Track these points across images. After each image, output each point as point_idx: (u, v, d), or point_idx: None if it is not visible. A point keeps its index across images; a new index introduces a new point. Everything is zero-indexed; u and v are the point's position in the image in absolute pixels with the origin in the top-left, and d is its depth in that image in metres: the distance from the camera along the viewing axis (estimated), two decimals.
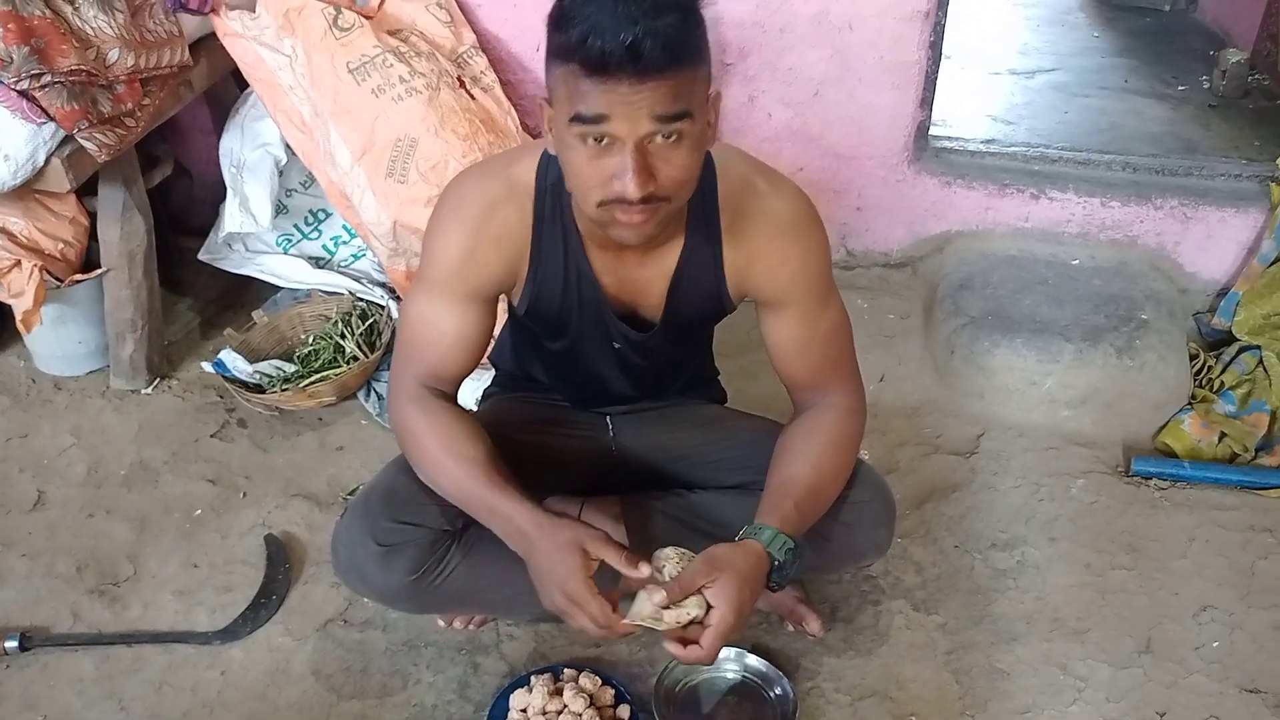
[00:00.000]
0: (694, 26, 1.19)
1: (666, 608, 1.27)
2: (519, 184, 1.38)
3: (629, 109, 1.17)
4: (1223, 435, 2.06)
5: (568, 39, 1.15)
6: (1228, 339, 2.30)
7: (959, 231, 2.54)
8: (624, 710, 1.54)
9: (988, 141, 2.71)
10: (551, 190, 1.38)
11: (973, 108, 3.09)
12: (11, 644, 1.64)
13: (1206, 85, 3.24)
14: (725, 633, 1.28)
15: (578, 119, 1.19)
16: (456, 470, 1.39)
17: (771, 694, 1.58)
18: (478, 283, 1.41)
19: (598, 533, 1.33)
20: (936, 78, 2.43)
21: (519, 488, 1.38)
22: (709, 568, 1.30)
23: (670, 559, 1.33)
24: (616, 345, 1.51)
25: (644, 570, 1.30)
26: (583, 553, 1.30)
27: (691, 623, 1.28)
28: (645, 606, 1.28)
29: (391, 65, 2.11)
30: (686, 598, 1.28)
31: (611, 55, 1.13)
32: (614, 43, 1.12)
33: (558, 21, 1.18)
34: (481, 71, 2.35)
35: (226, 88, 2.40)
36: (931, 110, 2.49)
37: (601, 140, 1.19)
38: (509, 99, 2.36)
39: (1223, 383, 2.18)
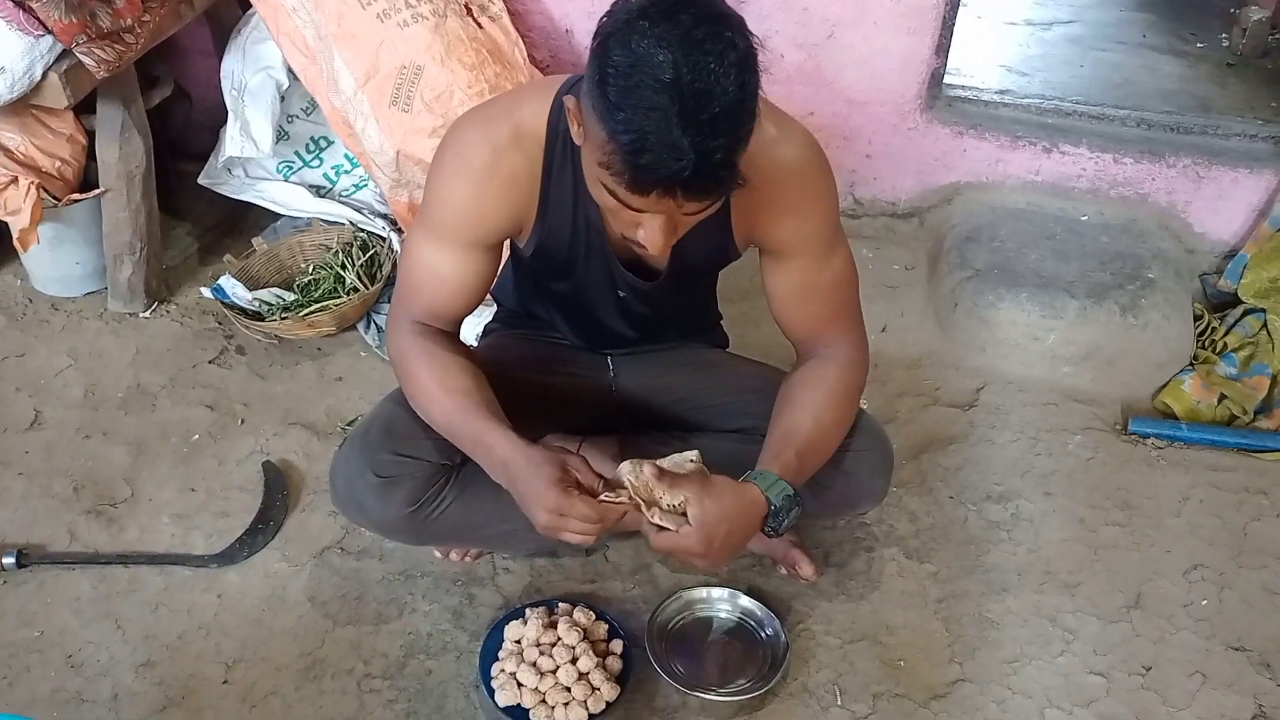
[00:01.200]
0: (746, 139, 1.13)
1: (651, 504, 1.28)
2: (527, 130, 1.34)
3: (663, 210, 1.16)
4: (1222, 397, 2.06)
5: (614, 133, 1.09)
6: (1233, 301, 2.29)
7: (968, 183, 2.51)
8: (616, 645, 1.55)
9: (1001, 92, 2.66)
10: (563, 137, 1.34)
11: (987, 57, 3.04)
12: (9, 560, 1.65)
13: (1225, 43, 3.18)
14: (683, 545, 1.28)
15: (609, 190, 1.16)
16: (445, 401, 1.38)
17: (763, 634, 1.60)
18: (482, 231, 1.39)
19: (577, 458, 1.33)
20: (953, 24, 2.38)
21: (506, 421, 1.37)
22: (701, 488, 1.30)
23: (627, 470, 1.32)
24: (621, 294, 1.50)
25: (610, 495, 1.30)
26: (561, 466, 1.30)
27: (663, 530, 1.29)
28: (626, 468, 1.30)
29: None
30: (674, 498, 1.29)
31: (656, 184, 1.10)
32: (660, 174, 1.09)
33: (604, 92, 1.10)
34: (489, 0, 2.29)
35: (228, 7, 2.34)
36: (947, 58, 2.44)
37: None
38: (517, 29, 2.30)
39: (1225, 344, 2.18)
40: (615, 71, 1.08)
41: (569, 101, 1.22)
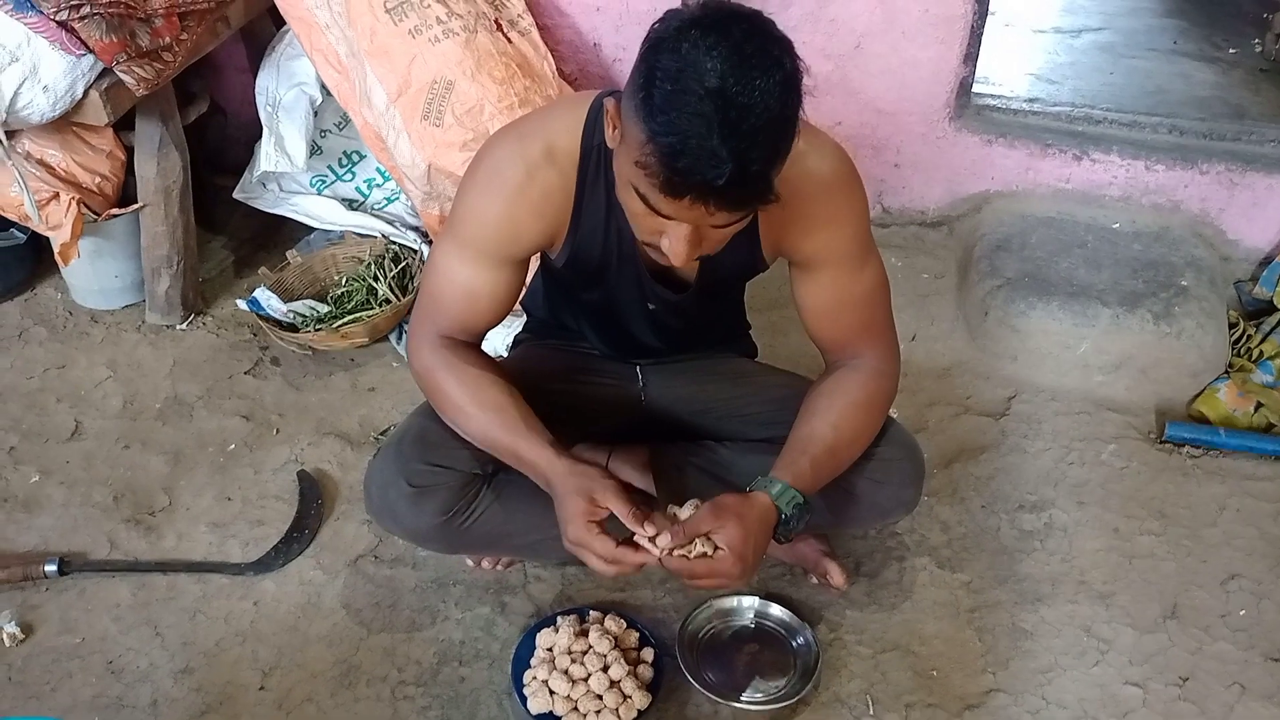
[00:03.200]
0: (783, 158, 1.14)
1: (672, 550, 1.32)
2: (560, 146, 1.36)
3: (692, 218, 1.17)
4: (1259, 405, 2.03)
5: (654, 135, 1.10)
6: (1269, 309, 2.26)
7: (998, 191, 2.50)
8: (648, 653, 1.56)
9: (1031, 100, 2.66)
10: (597, 151, 1.35)
11: (1016, 66, 3.04)
12: (51, 568, 1.68)
13: (1258, 49, 3.16)
14: (721, 570, 1.30)
15: (640, 195, 1.17)
16: (483, 418, 1.40)
17: (794, 644, 1.59)
18: (516, 248, 1.40)
19: (611, 483, 1.34)
20: (982, 33, 2.38)
21: (545, 433, 1.39)
22: (715, 514, 1.33)
23: (686, 510, 1.36)
24: (651, 306, 1.51)
25: (648, 529, 1.32)
26: (589, 499, 1.32)
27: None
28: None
29: (429, 6, 2.09)
30: (692, 540, 1.32)
31: (690, 190, 1.11)
32: (696, 180, 1.10)
33: (649, 94, 1.10)
34: (519, 15, 2.32)
35: (263, 25, 2.39)
36: (975, 66, 2.44)
37: None
38: (546, 44, 2.32)
39: (1261, 352, 2.15)
40: (662, 74, 1.10)
41: (609, 103, 1.23)
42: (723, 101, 1.07)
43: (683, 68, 1.08)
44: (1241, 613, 1.69)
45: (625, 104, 1.17)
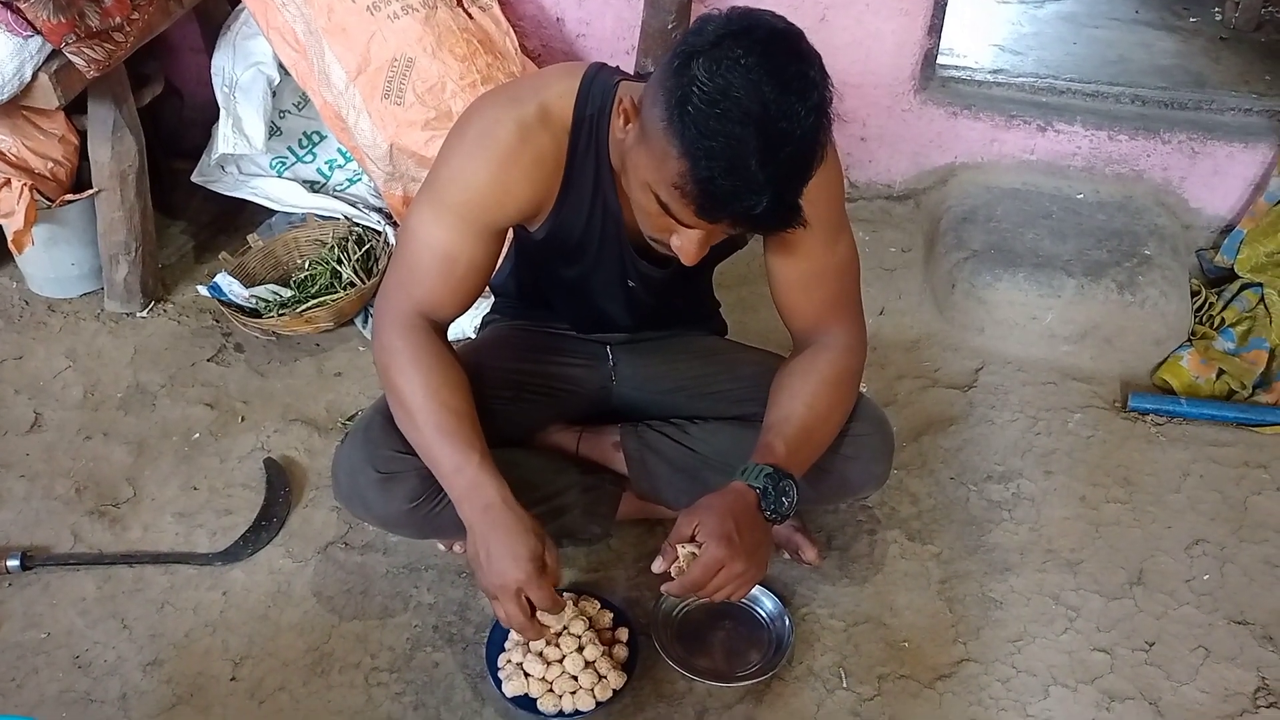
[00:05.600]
0: (810, 179, 1.16)
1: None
2: (554, 112, 1.33)
3: (714, 230, 1.19)
4: (1221, 372, 2.06)
5: (693, 157, 1.10)
6: (1230, 276, 2.29)
7: (964, 163, 2.51)
8: (623, 632, 1.56)
9: (995, 72, 2.66)
10: (589, 122, 1.33)
11: (980, 37, 3.04)
12: (13, 563, 1.65)
13: (1218, 17, 3.18)
14: (713, 558, 1.29)
15: (661, 203, 1.18)
16: (440, 417, 1.35)
17: (768, 619, 1.60)
18: (502, 215, 1.37)
19: (554, 547, 1.37)
20: (946, 4, 2.38)
21: (491, 459, 1.36)
22: (687, 515, 1.33)
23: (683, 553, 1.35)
24: (631, 284, 1.50)
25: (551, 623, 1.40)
26: (543, 541, 1.34)
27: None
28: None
29: None
30: (676, 554, 1.33)
31: (726, 214, 1.13)
32: (734, 207, 1.12)
33: (683, 111, 1.09)
34: None
35: (217, 4, 2.33)
36: (940, 38, 2.43)
37: None
38: (507, 19, 2.29)
39: (1223, 319, 2.18)
40: (701, 95, 1.09)
41: (624, 96, 1.22)
42: (764, 129, 1.08)
43: (724, 89, 1.08)
44: (1205, 577, 1.72)
45: (651, 109, 1.15)
